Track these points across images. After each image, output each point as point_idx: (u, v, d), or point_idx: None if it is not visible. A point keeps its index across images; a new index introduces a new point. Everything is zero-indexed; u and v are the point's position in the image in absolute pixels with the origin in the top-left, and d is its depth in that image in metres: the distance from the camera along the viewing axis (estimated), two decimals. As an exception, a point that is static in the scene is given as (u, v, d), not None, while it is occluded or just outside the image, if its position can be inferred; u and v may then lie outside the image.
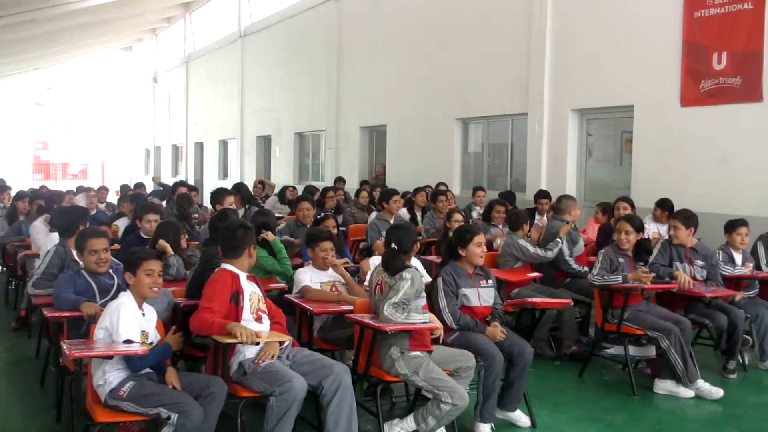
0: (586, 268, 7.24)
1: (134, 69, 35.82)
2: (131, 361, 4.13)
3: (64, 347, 4.05)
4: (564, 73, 11.28)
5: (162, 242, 6.18)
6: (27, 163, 39.48)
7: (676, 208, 8.41)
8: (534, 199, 10.08)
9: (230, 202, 8.56)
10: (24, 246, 8.50)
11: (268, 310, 4.68)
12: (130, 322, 4.21)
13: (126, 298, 4.34)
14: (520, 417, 5.17)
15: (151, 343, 4.31)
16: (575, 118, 11.28)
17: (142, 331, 4.28)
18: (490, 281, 5.34)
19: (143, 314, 4.37)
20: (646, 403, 5.78)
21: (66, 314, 4.81)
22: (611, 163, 11.51)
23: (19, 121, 39.42)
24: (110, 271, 5.14)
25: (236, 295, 4.44)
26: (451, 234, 5.83)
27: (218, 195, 8.62)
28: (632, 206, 8.38)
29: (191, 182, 25.50)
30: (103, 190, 13.83)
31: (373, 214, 9.74)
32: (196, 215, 10.08)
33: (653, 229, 8.44)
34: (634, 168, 10.26)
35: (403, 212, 10.11)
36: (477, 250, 5.18)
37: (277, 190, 14.08)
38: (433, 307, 5.04)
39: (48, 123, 40.91)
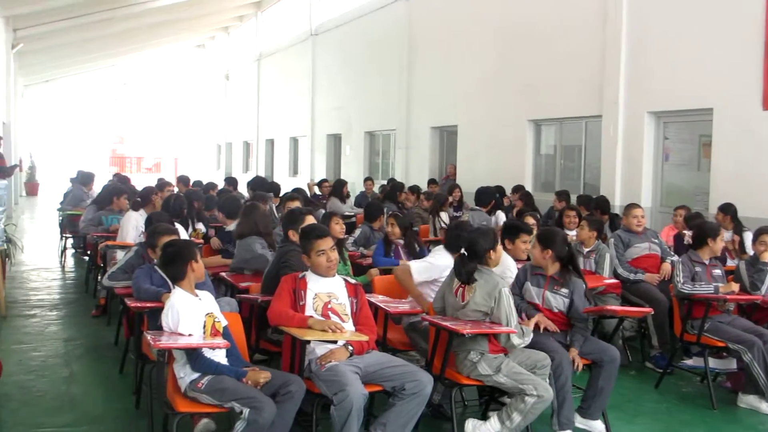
0: (641, 272, 7.04)
1: (207, 66, 36.48)
2: (194, 363, 4.15)
3: (149, 338, 4.14)
4: (640, 75, 11.01)
5: None
6: (105, 156, 40.83)
7: (759, 214, 8.16)
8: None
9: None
10: (105, 237, 8.71)
11: (358, 316, 4.69)
12: (188, 316, 4.25)
13: (176, 293, 4.38)
14: (600, 428, 5.05)
15: (219, 321, 4.39)
16: (651, 121, 11.02)
17: (207, 314, 4.35)
18: (564, 290, 5.19)
19: (200, 299, 4.43)
20: (727, 417, 5.59)
21: (149, 305, 4.92)
22: (688, 168, 11.21)
23: (97, 116, 40.80)
24: None
25: (295, 292, 4.59)
26: None
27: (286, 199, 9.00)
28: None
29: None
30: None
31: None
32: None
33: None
34: (713, 173, 9.96)
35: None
36: None
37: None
38: None
39: (124, 118, 42.27)
